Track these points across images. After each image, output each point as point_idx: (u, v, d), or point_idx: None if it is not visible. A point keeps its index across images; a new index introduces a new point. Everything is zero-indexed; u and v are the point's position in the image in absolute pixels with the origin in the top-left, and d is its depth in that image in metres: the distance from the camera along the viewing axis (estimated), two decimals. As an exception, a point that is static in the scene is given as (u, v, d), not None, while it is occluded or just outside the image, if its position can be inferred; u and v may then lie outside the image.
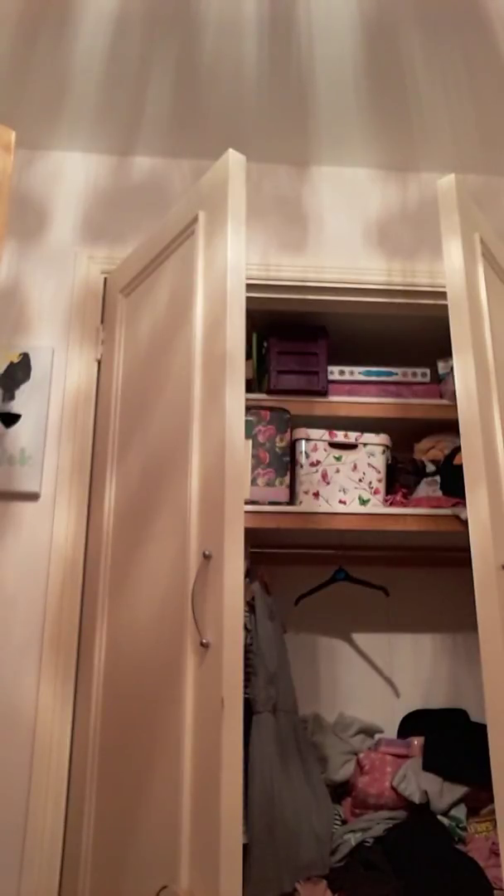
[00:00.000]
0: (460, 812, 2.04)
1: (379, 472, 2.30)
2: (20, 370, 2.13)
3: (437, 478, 2.33)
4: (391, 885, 1.81)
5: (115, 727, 1.75)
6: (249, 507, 2.07)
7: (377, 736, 2.31)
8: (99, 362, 2.19)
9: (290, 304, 2.33)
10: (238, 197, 1.73)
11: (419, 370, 2.42)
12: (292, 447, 2.30)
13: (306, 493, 2.24)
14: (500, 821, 1.38)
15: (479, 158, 2.40)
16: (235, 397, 1.57)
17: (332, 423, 2.32)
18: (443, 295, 1.96)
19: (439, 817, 2.01)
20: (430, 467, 2.36)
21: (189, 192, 1.97)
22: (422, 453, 2.41)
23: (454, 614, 2.53)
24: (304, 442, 2.29)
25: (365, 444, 2.31)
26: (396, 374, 2.41)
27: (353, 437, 2.31)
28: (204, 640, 1.46)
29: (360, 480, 2.27)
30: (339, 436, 2.31)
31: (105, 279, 2.26)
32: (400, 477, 2.44)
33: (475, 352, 1.66)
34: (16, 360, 2.14)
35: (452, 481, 2.21)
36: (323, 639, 2.53)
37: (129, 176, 2.39)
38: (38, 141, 2.34)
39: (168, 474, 1.74)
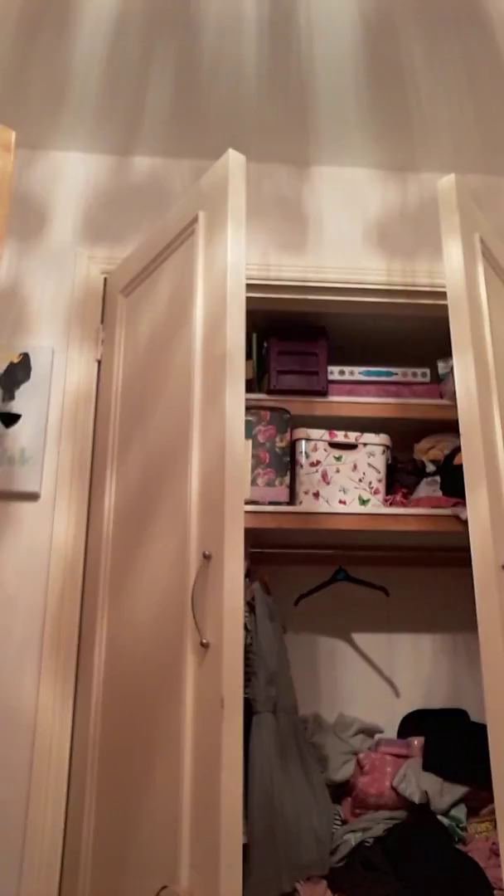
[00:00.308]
0: (460, 812, 2.03)
1: (379, 472, 2.30)
2: (20, 370, 2.13)
3: (437, 478, 2.33)
4: (391, 885, 1.81)
5: (115, 727, 1.75)
6: (249, 507, 2.07)
7: (377, 736, 2.31)
8: (99, 362, 2.19)
9: (290, 304, 2.33)
10: (238, 197, 1.73)
11: (419, 370, 2.42)
12: (292, 447, 2.30)
13: (306, 493, 2.24)
14: (500, 821, 1.38)
15: (479, 158, 2.40)
16: (235, 397, 1.57)
17: (332, 423, 2.32)
18: (443, 295, 1.96)
19: (439, 817, 2.01)
20: (430, 467, 2.36)
21: (189, 192, 1.98)
22: (422, 453, 2.41)
23: (454, 614, 2.53)
24: (304, 442, 2.29)
25: (365, 444, 2.31)
26: (396, 374, 2.41)
27: (353, 437, 2.31)
28: (204, 640, 1.46)
29: (360, 480, 2.27)
30: (339, 436, 2.31)
31: (105, 279, 2.26)
32: (400, 477, 2.44)
33: (475, 352, 1.66)
34: (16, 360, 2.14)
35: (452, 481, 2.21)
36: (323, 639, 2.53)
37: (129, 176, 2.39)
38: (38, 141, 2.35)
39: (168, 474, 1.74)
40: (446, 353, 2.01)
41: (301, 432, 2.29)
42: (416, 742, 2.18)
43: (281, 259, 2.32)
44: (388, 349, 2.56)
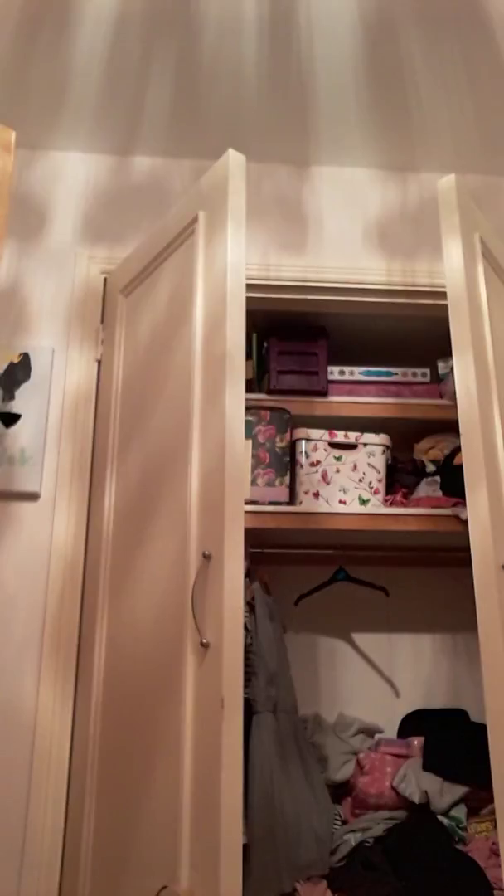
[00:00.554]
0: (460, 812, 2.03)
1: (379, 472, 2.30)
2: (20, 370, 2.13)
3: (437, 478, 2.33)
4: (391, 885, 1.81)
5: (115, 727, 1.75)
6: (249, 507, 2.07)
7: (377, 736, 2.31)
8: (99, 362, 2.19)
9: (290, 304, 2.33)
10: (238, 197, 1.73)
11: (419, 370, 2.42)
12: (292, 447, 2.30)
13: (306, 493, 2.24)
14: (500, 821, 1.38)
15: (479, 158, 2.40)
16: (235, 397, 1.57)
17: (332, 423, 2.32)
18: (443, 295, 1.96)
19: (439, 817, 2.01)
20: (430, 467, 2.36)
21: (189, 192, 1.98)
22: (422, 453, 2.41)
23: (454, 614, 2.53)
24: (304, 442, 2.29)
25: (365, 444, 2.31)
26: (396, 374, 2.41)
27: (353, 437, 2.31)
28: (204, 640, 1.46)
29: (360, 480, 2.27)
30: (339, 436, 2.31)
31: (105, 279, 2.26)
32: (400, 477, 2.44)
33: (475, 352, 1.66)
34: (16, 360, 2.14)
35: (452, 481, 2.21)
36: (323, 639, 2.53)
37: (129, 176, 2.39)
38: (38, 141, 2.35)
39: (168, 474, 1.74)
40: (446, 353, 2.01)
41: (301, 432, 2.29)
42: (416, 742, 2.18)
43: (281, 259, 2.32)
44: (388, 349, 2.56)
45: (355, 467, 2.28)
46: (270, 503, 2.19)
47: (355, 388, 2.38)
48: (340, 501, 2.24)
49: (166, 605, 1.64)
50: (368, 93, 2.16)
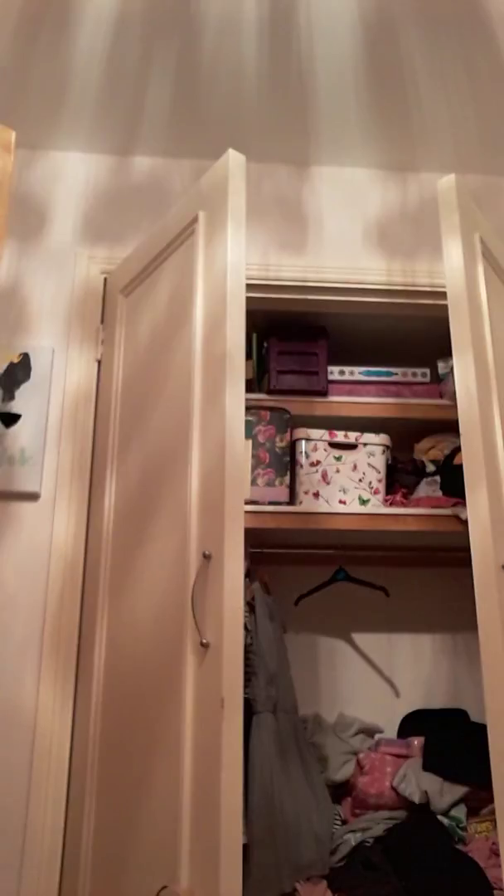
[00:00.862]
0: (460, 812, 2.03)
1: (379, 472, 2.30)
2: (20, 370, 2.13)
3: (437, 478, 2.33)
4: (391, 885, 1.81)
5: (115, 727, 1.75)
6: (249, 507, 2.07)
7: (377, 736, 2.31)
8: (99, 362, 2.19)
9: (290, 304, 2.33)
10: (238, 197, 1.73)
11: (419, 370, 2.42)
12: (292, 447, 2.30)
13: (306, 493, 2.24)
14: (500, 821, 1.38)
15: (479, 158, 2.40)
16: (235, 397, 1.57)
17: (332, 423, 2.32)
18: (443, 295, 1.96)
19: (439, 817, 2.01)
20: (430, 467, 2.36)
21: (189, 192, 1.98)
22: (422, 453, 2.41)
23: (454, 614, 2.53)
24: (304, 442, 2.29)
25: (365, 444, 2.31)
26: (396, 374, 2.41)
27: (353, 437, 2.31)
28: (204, 640, 1.46)
29: (360, 480, 2.27)
30: (339, 436, 2.31)
31: (105, 279, 2.26)
32: (400, 477, 2.44)
33: (475, 352, 1.66)
34: (16, 360, 2.14)
35: (452, 481, 2.21)
36: (323, 639, 2.53)
37: (129, 176, 2.39)
38: (38, 141, 2.35)
39: (168, 474, 1.74)
40: (446, 353, 2.01)
41: (301, 432, 2.29)
42: (416, 742, 2.18)
43: (281, 259, 2.32)
44: (388, 349, 2.56)
45: (355, 467, 2.28)
46: (270, 503, 2.19)
47: (355, 388, 2.38)
48: (340, 501, 2.24)
49: (166, 604, 1.64)
50: (368, 93, 2.16)
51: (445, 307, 1.71)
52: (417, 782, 2.04)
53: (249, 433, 2.23)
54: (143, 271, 2.07)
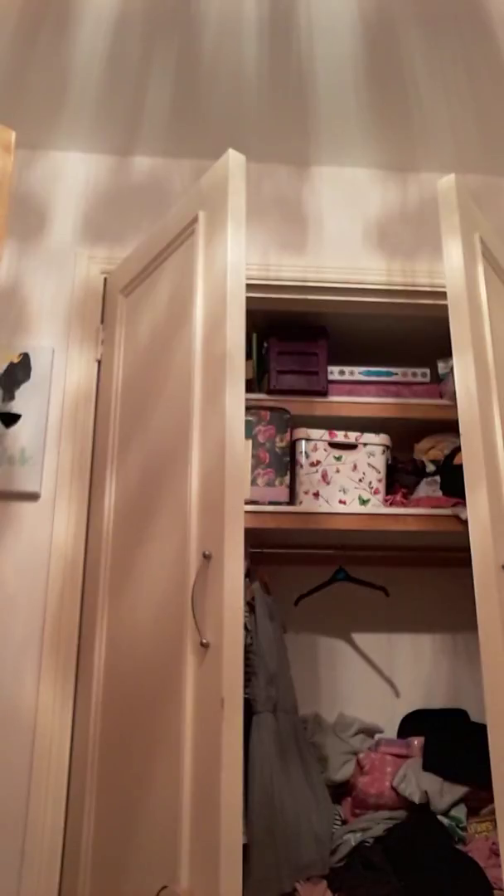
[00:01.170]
0: (460, 812, 2.03)
1: (379, 472, 2.30)
2: (20, 370, 2.13)
3: (437, 478, 2.33)
4: (391, 885, 1.81)
5: (115, 727, 1.75)
6: (249, 507, 2.07)
7: (377, 736, 2.31)
8: (99, 362, 2.19)
9: (290, 304, 2.33)
10: (238, 197, 1.73)
11: (419, 370, 2.42)
12: (292, 447, 2.30)
13: (306, 493, 2.24)
14: (500, 821, 1.38)
15: (479, 158, 2.40)
16: (235, 397, 1.57)
17: (332, 423, 2.32)
18: (443, 295, 1.96)
19: (439, 817, 2.01)
20: (430, 467, 2.36)
21: (189, 192, 1.98)
22: (422, 453, 2.41)
23: (454, 614, 2.53)
24: (304, 442, 2.29)
25: (365, 444, 2.31)
26: (396, 374, 2.41)
27: (353, 437, 2.31)
28: (204, 640, 1.46)
29: (360, 480, 2.27)
30: (339, 436, 2.31)
31: (105, 279, 2.26)
32: (400, 477, 2.44)
33: (475, 352, 1.66)
34: (16, 360, 2.14)
35: (452, 481, 2.21)
36: (323, 639, 2.53)
37: (129, 176, 2.39)
38: (38, 141, 2.35)
39: (168, 474, 1.74)
40: (446, 353, 2.01)
41: (301, 432, 2.29)
42: (416, 742, 2.18)
43: (281, 259, 2.32)
44: (388, 349, 2.56)
45: (355, 467, 2.28)
46: (270, 503, 2.19)
47: (355, 388, 2.38)
48: (340, 501, 2.24)
49: (166, 604, 1.64)
50: (368, 93, 2.16)
51: (445, 307, 1.71)
52: (417, 782, 2.04)
53: (249, 433, 2.23)
54: (143, 271, 2.08)
